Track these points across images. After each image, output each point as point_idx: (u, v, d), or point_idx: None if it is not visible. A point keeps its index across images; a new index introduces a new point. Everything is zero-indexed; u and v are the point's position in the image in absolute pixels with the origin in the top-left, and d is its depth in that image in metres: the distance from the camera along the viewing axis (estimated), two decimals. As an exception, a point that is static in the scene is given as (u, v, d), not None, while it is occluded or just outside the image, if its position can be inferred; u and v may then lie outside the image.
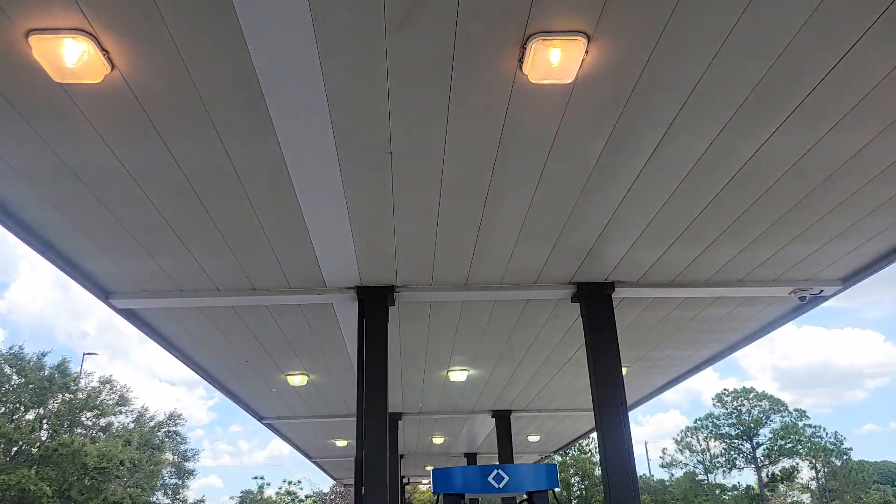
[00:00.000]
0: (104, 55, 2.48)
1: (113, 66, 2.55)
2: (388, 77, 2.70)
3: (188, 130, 2.99)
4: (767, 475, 44.21)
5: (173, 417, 34.76)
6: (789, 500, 40.08)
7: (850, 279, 4.95)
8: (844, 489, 41.25)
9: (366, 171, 3.38)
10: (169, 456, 34.13)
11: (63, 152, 3.11)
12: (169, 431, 34.49)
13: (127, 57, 2.52)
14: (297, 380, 7.54)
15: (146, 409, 31.56)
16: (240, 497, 44.12)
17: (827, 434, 45.47)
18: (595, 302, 5.02)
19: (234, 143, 3.11)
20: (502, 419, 10.29)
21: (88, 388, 25.86)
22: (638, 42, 2.56)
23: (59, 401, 23.95)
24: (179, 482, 35.31)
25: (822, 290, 5.05)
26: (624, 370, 5.24)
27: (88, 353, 36.82)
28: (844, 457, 44.44)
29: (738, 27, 2.48)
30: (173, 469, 34.95)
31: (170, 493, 34.23)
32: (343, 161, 3.28)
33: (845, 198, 3.77)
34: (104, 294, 4.75)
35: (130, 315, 5.23)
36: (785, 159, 3.38)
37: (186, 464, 35.86)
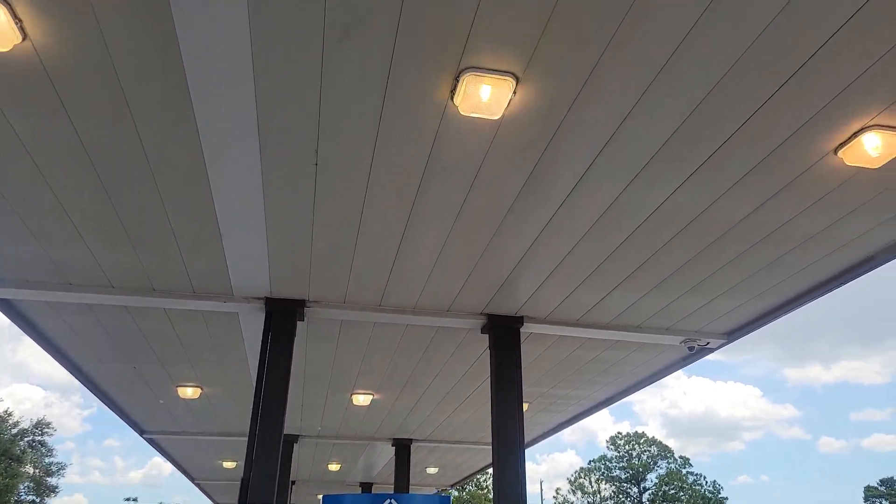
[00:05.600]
0: (17, 24, 2.33)
1: (25, 37, 2.40)
2: (321, 86, 2.70)
3: (100, 111, 2.84)
4: (650, 520, 46.00)
5: (40, 426, 31.85)
6: (667, 546, 41.81)
7: (733, 334, 5.35)
8: (718, 537, 43.57)
9: (289, 177, 3.33)
10: (29, 469, 31.10)
11: (-47, 118, 2.88)
12: (33, 441, 31.52)
13: (42, 27, 2.38)
14: (190, 392, 7.15)
15: (9, 414, 28.77)
16: None
17: (707, 482, 48.13)
18: (503, 334, 5.13)
19: (149, 130, 2.98)
20: (402, 448, 10.18)
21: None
22: (562, 90, 2.70)
23: None
24: (37, 500, 32.20)
25: (708, 343, 5.41)
26: (524, 406, 5.36)
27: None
28: (721, 506, 47.10)
29: (653, 86, 2.68)
30: (32, 484, 31.86)
31: (24, 511, 31.14)
32: (266, 164, 3.22)
33: (735, 256, 4.09)
34: (-23, 280, 4.35)
35: (6, 306, 4.80)
36: (685, 214, 3.64)
37: (49, 479, 32.82)
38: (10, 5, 2.27)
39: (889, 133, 2.90)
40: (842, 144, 2.99)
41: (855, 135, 2.92)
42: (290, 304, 4.79)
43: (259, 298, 4.78)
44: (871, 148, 2.97)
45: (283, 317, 4.77)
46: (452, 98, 2.73)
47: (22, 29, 2.36)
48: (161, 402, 7.70)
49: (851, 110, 2.79)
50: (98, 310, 4.95)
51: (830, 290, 4.47)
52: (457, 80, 2.64)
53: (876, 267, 4.13)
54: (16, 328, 5.17)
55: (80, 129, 2.95)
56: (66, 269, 4.30)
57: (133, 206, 3.57)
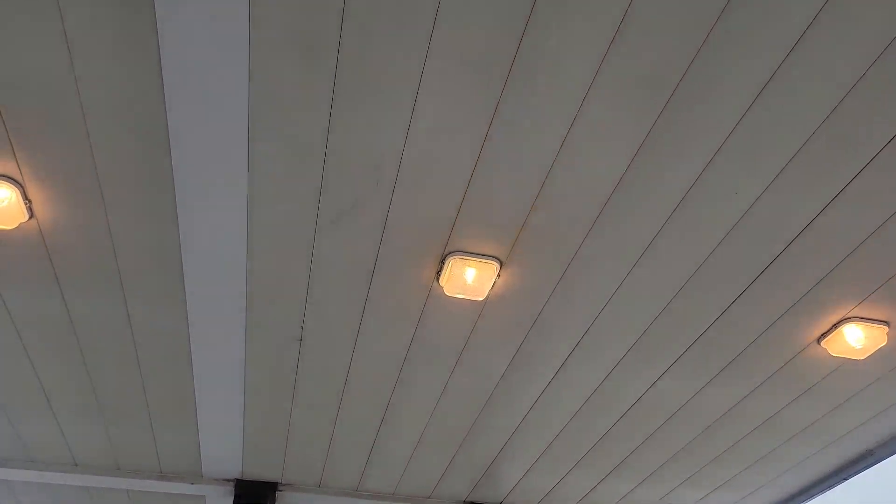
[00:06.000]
0: (26, 204, 2.46)
1: (32, 216, 2.52)
2: (310, 271, 2.79)
3: (93, 291, 2.90)
4: None
5: None
6: None
7: (737, 532, 4.97)
8: None
9: (272, 355, 3.31)
10: None
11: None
12: None
13: (49, 210, 2.51)
14: (141, 588, 6.41)
15: None
16: None
17: None
18: (488, 527, 4.76)
19: (140, 313, 3.02)
20: None
21: None
22: (543, 276, 2.80)
23: None
24: None
25: (712, 541, 5.01)
26: None
27: None
28: None
29: (629, 279, 2.79)
30: None
31: None
32: (250, 343, 3.21)
33: (727, 447, 3.96)
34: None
35: (-40, 483, 4.49)
36: (668, 405, 3.58)
37: None
38: (22, 187, 2.41)
39: (869, 325, 2.93)
40: (823, 335, 3.01)
41: (835, 326, 2.96)
42: (261, 488, 4.49)
43: (229, 480, 4.49)
44: (853, 340, 2.98)
45: (252, 501, 4.46)
46: (438, 279, 2.81)
47: (30, 209, 2.48)
48: None
49: (828, 302, 2.85)
50: (55, 490, 4.62)
51: (833, 485, 4.28)
52: (443, 262, 2.74)
53: (877, 462, 3.99)
54: (-38, 508, 4.79)
55: (71, 306, 2.98)
56: (31, 445, 4.09)
57: (111, 381, 3.51)
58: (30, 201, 2.47)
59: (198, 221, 2.56)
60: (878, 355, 3.10)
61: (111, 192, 2.45)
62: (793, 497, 4.49)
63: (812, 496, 4.46)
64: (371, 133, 2.22)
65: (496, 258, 2.73)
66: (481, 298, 2.91)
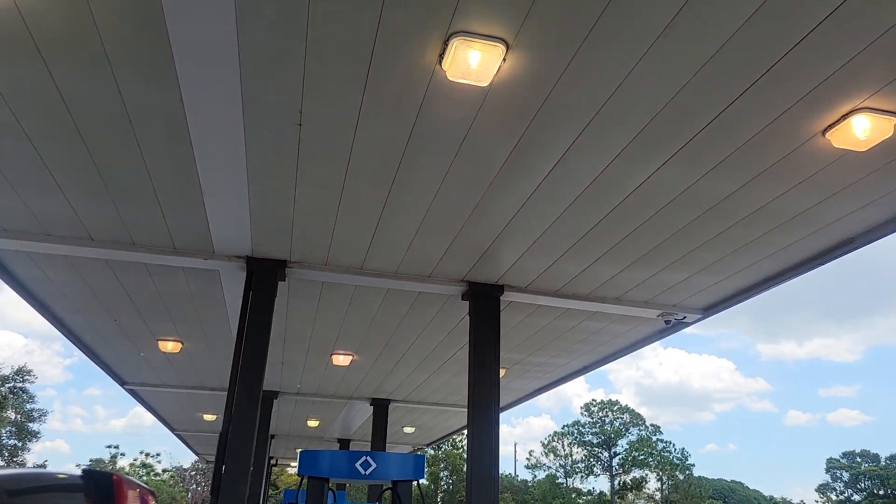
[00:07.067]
0: (-10, -36, 2.24)
1: (-1, -21, 2.31)
2: (306, 47, 2.64)
3: (79, 63, 2.76)
4: (619, 483, 47.47)
5: (21, 373, 32.05)
6: (635, 508, 43.31)
7: (709, 309, 5.43)
8: (683, 501, 45.18)
9: (272, 137, 3.27)
10: (11, 414, 31.42)
11: (-74, 63, 2.78)
12: (14, 388, 31.77)
13: (17, -28, 2.29)
14: (170, 346, 7.16)
15: (-10, 361, 29.00)
16: (88, 465, 41.52)
17: (675, 449, 49.53)
18: (483, 302, 5.17)
19: (130, 85, 2.91)
20: (380, 407, 10.32)
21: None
22: (552, 59, 2.66)
23: None
24: (19, 444, 32.56)
25: (685, 317, 5.50)
26: (501, 372, 5.45)
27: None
28: (687, 472, 48.67)
29: (643, 61, 2.65)
30: (14, 429, 32.19)
31: (6, 454, 31.58)
32: (248, 123, 3.16)
33: (714, 235, 4.13)
34: (-44, 228, 4.28)
35: (-15, 255, 4.75)
36: (668, 192, 3.65)
37: (30, 424, 33.14)
38: (-19, -56, 2.17)
39: (878, 116, 2.88)
40: (830, 126, 2.98)
41: (844, 117, 2.91)
42: (271, 265, 4.77)
43: (240, 257, 4.75)
44: (859, 131, 2.95)
45: (263, 277, 4.76)
46: (441, 63, 2.68)
47: (-6, -30, 2.27)
48: (142, 354, 7.70)
49: (842, 92, 2.77)
50: (77, 262, 4.90)
51: (809, 269, 4.54)
52: (446, 44, 2.59)
53: (854, 249, 4.19)
54: (-7, 276, 5.12)
55: (58, 79, 2.86)
56: (45, 219, 4.23)
57: (112, 159, 3.50)
58: (-8, -39, 2.24)
59: (181, -11, 2.35)
60: (881, 147, 3.09)
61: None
62: (768, 280, 4.81)
63: (785, 280, 4.77)
64: None
65: (502, 40, 2.57)
66: (485, 84, 2.80)
